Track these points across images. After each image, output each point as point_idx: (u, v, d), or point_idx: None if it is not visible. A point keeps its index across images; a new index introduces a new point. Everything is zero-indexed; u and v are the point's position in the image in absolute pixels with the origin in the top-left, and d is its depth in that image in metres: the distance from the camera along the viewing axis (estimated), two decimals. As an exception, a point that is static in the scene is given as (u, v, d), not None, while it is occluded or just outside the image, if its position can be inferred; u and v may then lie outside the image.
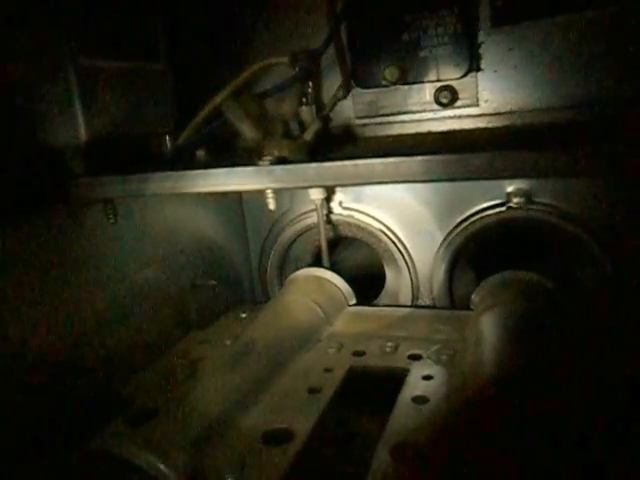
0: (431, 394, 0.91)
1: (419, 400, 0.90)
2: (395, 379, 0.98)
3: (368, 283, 1.46)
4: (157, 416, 0.81)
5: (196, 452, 0.73)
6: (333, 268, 1.40)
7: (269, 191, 0.90)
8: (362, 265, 1.60)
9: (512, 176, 0.82)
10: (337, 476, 0.82)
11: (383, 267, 1.46)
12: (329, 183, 0.79)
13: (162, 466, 0.66)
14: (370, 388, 1.02)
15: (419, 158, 0.71)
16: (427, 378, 0.97)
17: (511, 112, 1.17)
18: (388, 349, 1.10)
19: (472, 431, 0.78)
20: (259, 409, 0.89)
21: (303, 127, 1.09)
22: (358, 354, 1.09)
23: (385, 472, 0.72)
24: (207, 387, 0.91)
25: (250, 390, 0.92)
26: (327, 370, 1.02)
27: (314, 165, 0.77)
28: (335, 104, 1.08)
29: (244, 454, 0.76)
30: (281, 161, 0.85)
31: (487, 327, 1.07)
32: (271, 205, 0.92)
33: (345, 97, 1.11)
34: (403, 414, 0.85)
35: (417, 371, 0.99)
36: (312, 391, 0.95)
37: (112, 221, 1.00)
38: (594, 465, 0.71)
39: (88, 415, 0.86)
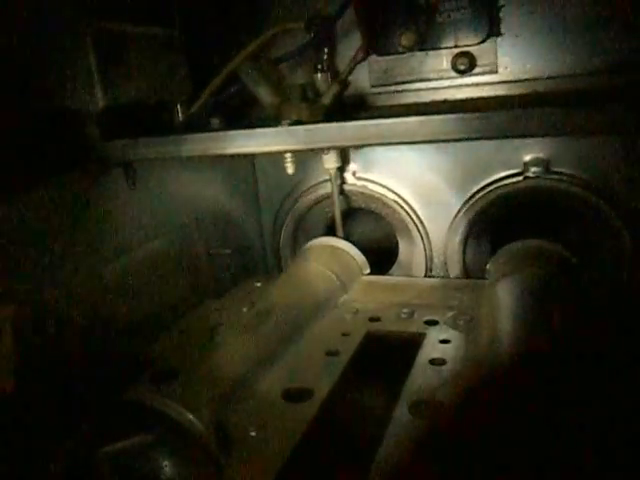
0: (448, 356, 0.92)
1: (437, 362, 0.90)
2: (412, 344, 0.99)
3: (381, 257, 1.46)
4: (178, 377, 0.82)
5: (220, 407, 0.75)
6: (347, 240, 1.40)
7: (288, 155, 0.90)
8: (375, 239, 1.60)
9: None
10: (355, 434, 0.83)
11: (396, 240, 1.46)
12: (351, 143, 0.79)
13: (191, 416, 0.67)
14: (387, 353, 1.03)
15: (438, 117, 0.70)
16: (444, 342, 0.98)
17: (532, 79, 1.15)
18: (404, 315, 1.10)
19: (490, 390, 0.78)
20: (279, 370, 0.90)
21: (318, 94, 1.08)
22: (374, 320, 1.10)
23: (404, 427, 0.73)
24: (227, 349, 0.92)
25: (269, 352, 0.93)
26: (344, 334, 1.03)
27: (335, 125, 0.77)
28: (354, 67, 1.06)
29: (266, 410, 0.78)
30: (300, 124, 0.85)
31: (503, 293, 1.07)
32: (290, 169, 0.92)
33: (365, 59, 1.09)
34: (421, 374, 0.86)
35: (434, 335, 1.00)
36: (330, 354, 0.96)
37: (132, 187, 1.00)
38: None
39: (107, 378, 0.87)
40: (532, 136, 0.79)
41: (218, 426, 0.69)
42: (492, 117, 0.69)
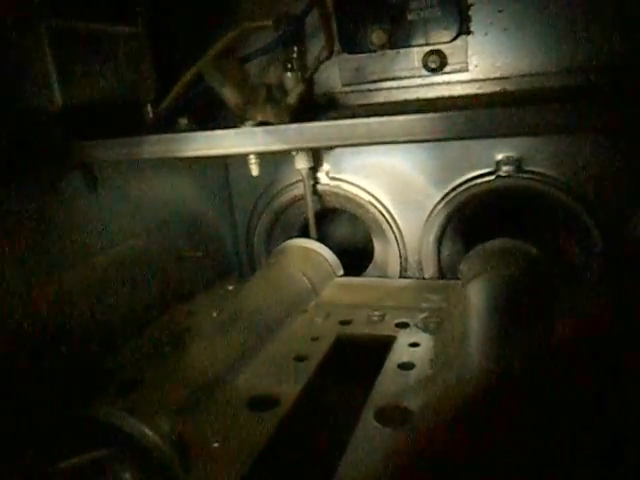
0: (417, 360, 0.91)
1: (405, 366, 0.89)
2: (382, 347, 0.98)
3: (358, 259, 1.45)
4: (142, 385, 0.80)
5: (182, 417, 0.73)
6: (321, 241, 1.38)
7: (252, 156, 0.88)
8: (350, 240, 1.59)
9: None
10: (322, 442, 0.81)
11: (371, 240, 1.45)
12: (311, 144, 0.77)
13: (147, 430, 0.65)
14: (357, 356, 1.02)
15: (400, 118, 0.69)
16: (414, 345, 0.97)
17: (502, 77, 1.15)
18: (375, 318, 1.09)
19: (457, 395, 0.77)
20: (245, 376, 0.88)
21: (285, 94, 1.06)
22: (345, 323, 1.08)
23: (369, 434, 0.72)
24: (193, 355, 0.90)
25: (236, 358, 0.91)
26: (314, 339, 1.02)
27: (296, 126, 0.75)
28: (318, 66, 1.04)
29: (230, 419, 0.76)
30: (264, 125, 0.83)
31: (474, 295, 1.06)
32: (254, 171, 0.90)
33: (329, 58, 1.08)
34: (389, 379, 0.85)
35: (404, 338, 0.99)
36: (299, 359, 0.95)
37: (91, 190, 0.97)
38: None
39: (73, 387, 0.85)
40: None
41: (178, 438, 0.67)
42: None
